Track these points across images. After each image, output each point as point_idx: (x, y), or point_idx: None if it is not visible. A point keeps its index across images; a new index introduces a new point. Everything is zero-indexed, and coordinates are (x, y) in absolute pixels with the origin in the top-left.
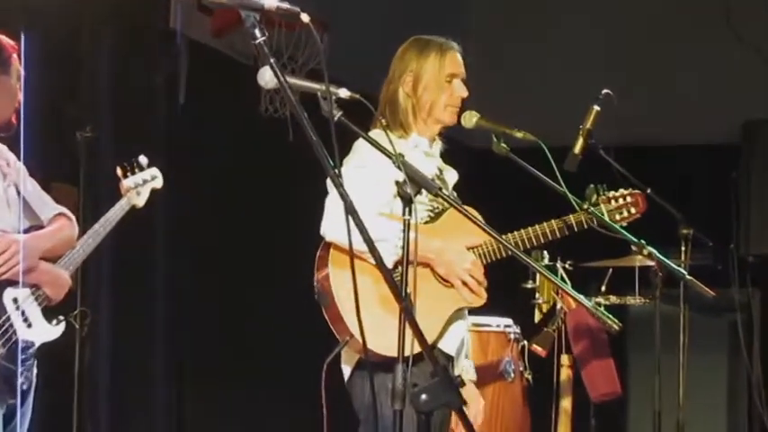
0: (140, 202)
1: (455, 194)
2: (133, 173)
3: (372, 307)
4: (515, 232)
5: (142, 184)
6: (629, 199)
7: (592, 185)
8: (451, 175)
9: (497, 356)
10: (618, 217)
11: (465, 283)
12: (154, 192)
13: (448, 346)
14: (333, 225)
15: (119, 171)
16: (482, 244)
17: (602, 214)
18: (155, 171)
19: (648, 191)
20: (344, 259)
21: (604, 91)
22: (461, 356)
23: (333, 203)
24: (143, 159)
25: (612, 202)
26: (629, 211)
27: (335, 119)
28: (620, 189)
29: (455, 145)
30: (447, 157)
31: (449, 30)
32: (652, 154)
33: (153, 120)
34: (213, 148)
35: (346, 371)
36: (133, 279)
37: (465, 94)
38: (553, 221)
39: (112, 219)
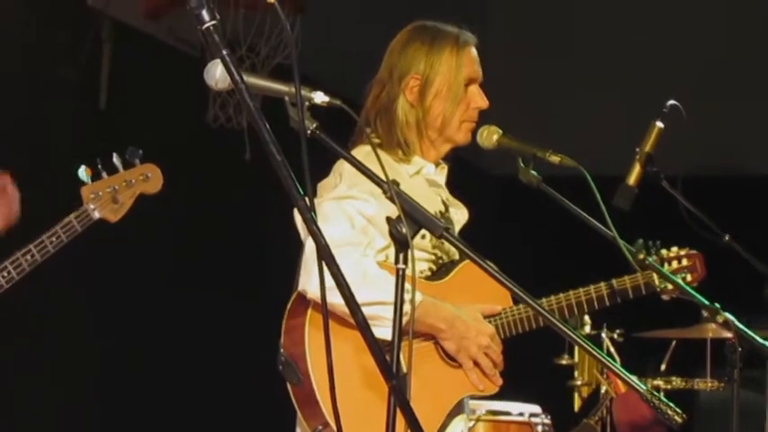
0: (113, 215)
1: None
2: (112, 171)
3: (356, 388)
4: (551, 298)
5: (117, 190)
6: (684, 262)
7: (640, 240)
8: (460, 214)
9: None
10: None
11: (477, 364)
12: (144, 198)
13: None
14: (316, 279)
15: (83, 173)
16: (502, 312)
17: (653, 279)
18: (148, 169)
19: (726, 238)
20: (330, 325)
21: (670, 102)
22: None
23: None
24: (134, 153)
25: (665, 264)
26: (683, 278)
27: (308, 132)
28: (672, 248)
29: (467, 171)
30: (455, 188)
31: (460, 15)
32: (733, 187)
33: (63, 126)
34: None
35: None
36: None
37: (485, 104)
38: (602, 285)
39: (63, 232)
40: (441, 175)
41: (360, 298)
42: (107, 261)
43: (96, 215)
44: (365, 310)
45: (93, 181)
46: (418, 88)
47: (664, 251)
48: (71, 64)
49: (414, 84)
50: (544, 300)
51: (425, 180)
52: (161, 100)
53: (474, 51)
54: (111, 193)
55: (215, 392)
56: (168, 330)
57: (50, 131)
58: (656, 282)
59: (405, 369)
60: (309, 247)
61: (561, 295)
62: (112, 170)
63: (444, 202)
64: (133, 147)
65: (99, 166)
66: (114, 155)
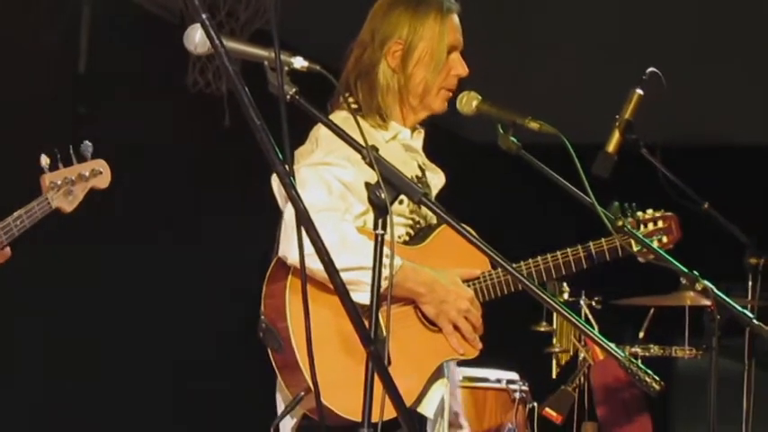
0: (67, 206)
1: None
2: (68, 163)
3: (337, 353)
4: (528, 261)
5: (73, 182)
6: (660, 224)
7: (616, 203)
8: (437, 179)
9: (496, 422)
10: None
11: (457, 328)
12: (94, 192)
13: (427, 409)
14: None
15: (43, 160)
16: (481, 276)
17: (630, 242)
18: (99, 164)
19: (705, 205)
20: (309, 290)
21: (650, 70)
22: (441, 420)
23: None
24: (87, 147)
25: (641, 227)
26: (659, 240)
27: (288, 97)
28: (648, 210)
29: (446, 137)
30: (432, 152)
31: None
32: (712, 156)
33: (42, 93)
34: (124, 133)
35: (285, 428)
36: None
37: (465, 72)
38: (579, 248)
39: (27, 217)
40: (417, 139)
41: (339, 263)
42: (90, 226)
43: (54, 204)
44: (345, 275)
45: (50, 170)
46: (400, 53)
47: (639, 213)
48: (51, 28)
49: (396, 48)
50: (522, 263)
51: (401, 145)
52: (141, 67)
53: (456, 19)
54: (67, 183)
55: (194, 361)
56: (149, 293)
57: (29, 95)
58: (633, 245)
59: (384, 334)
60: (289, 213)
61: (539, 258)
62: (67, 161)
63: (421, 167)
64: (87, 141)
65: (58, 156)
66: (70, 147)
